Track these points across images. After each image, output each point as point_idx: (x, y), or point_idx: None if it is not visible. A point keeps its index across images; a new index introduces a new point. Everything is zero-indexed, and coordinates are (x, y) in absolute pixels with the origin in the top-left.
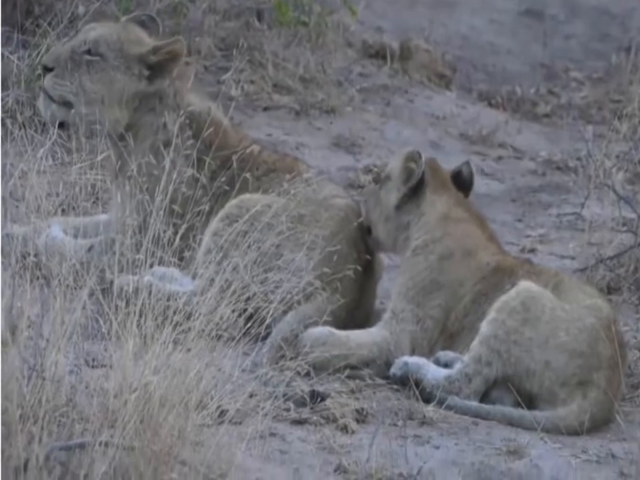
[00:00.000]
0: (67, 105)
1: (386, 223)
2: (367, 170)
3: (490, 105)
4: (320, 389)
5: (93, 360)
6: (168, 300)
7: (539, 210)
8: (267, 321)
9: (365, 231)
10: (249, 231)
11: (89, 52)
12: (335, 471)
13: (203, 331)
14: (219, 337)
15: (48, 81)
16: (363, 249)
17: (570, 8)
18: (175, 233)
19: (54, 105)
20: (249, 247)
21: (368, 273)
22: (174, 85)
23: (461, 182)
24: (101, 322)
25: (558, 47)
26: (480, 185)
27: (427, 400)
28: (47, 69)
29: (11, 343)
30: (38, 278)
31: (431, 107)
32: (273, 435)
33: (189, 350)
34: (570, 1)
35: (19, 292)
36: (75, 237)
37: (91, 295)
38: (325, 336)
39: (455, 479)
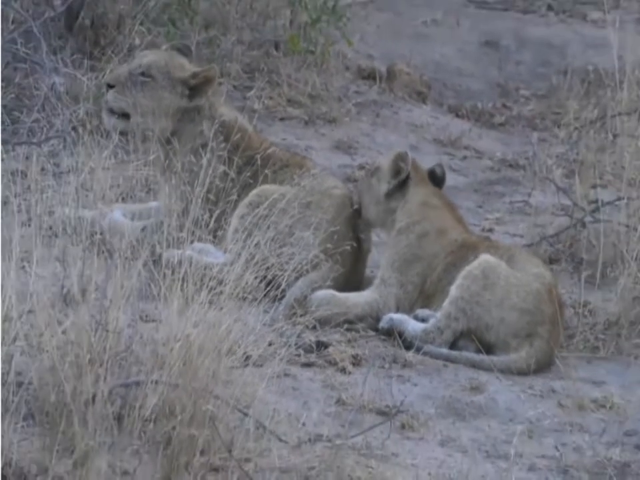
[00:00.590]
0: (125, 115)
1: (376, 207)
2: (361, 167)
3: (457, 116)
4: (324, 339)
5: (146, 316)
6: (204, 269)
7: (495, 198)
8: (282, 286)
9: (357, 213)
10: (267, 215)
11: (142, 74)
12: (336, 403)
13: (232, 293)
14: (245, 299)
15: (110, 96)
16: (357, 229)
17: (519, 40)
18: (210, 217)
19: (114, 115)
20: (267, 227)
21: (360, 248)
22: (209, 100)
23: (435, 179)
24: (152, 286)
25: (510, 71)
26: (449, 179)
27: (408, 347)
28: (109, 86)
29: (81, 302)
30: (103, 252)
31: (411, 118)
32: (286, 375)
33: (221, 308)
34: (519, 34)
35: (88, 262)
36: (132, 219)
37: (144, 265)
38: (328, 297)
39: (430, 409)
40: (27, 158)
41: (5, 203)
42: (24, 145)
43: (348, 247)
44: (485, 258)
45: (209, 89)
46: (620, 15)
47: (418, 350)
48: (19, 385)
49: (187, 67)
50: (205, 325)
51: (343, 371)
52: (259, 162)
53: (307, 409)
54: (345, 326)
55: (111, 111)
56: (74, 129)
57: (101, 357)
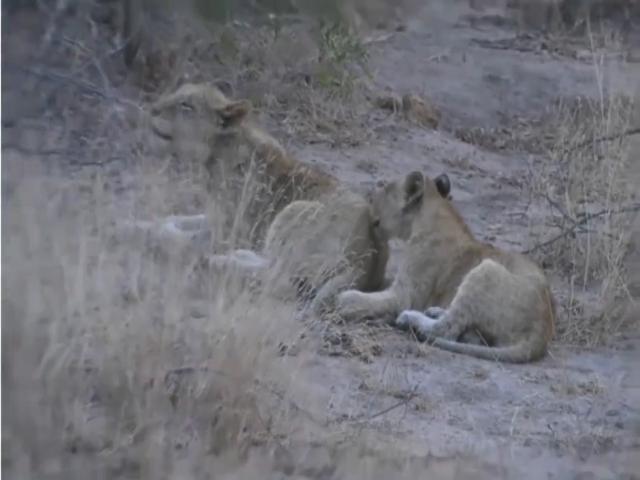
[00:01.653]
0: (168, 138)
1: (394, 220)
2: (380, 184)
3: (463, 140)
4: (348, 333)
5: (196, 312)
6: (246, 272)
7: (496, 211)
8: (313, 287)
9: (375, 225)
10: (300, 226)
11: (184, 104)
12: (359, 387)
13: (269, 293)
14: (280, 298)
15: (155, 121)
16: (376, 238)
17: (517, 74)
18: (251, 227)
19: (159, 137)
20: (300, 236)
21: (380, 255)
22: (242, 128)
23: (442, 187)
24: (201, 287)
25: (509, 101)
26: (457, 194)
27: (421, 340)
28: (156, 112)
29: (140, 301)
30: (158, 257)
31: (423, 142)
32: (316, 363)
33: (260, 306)
34: (517, 69)
35: (145, 266)
36: (183, 229)
37: (194, 268)
38: (352, 297)
39: (440, 393)
40: (92, 176)
41: (75, 214)
42: (90, 164)
43: (369, 254)
44: (488, 262)
45: (242, 119)
46: (604, 53)
47: (430, 342)
48: (87, 371)
49: (222, 100)
50: (246, 320)
51: (365, 360)
52: (292, 180)
53: (334, 393)
54: (367, 321)
55: (157, 133)
56: (133, 151)
57: (157, 347)
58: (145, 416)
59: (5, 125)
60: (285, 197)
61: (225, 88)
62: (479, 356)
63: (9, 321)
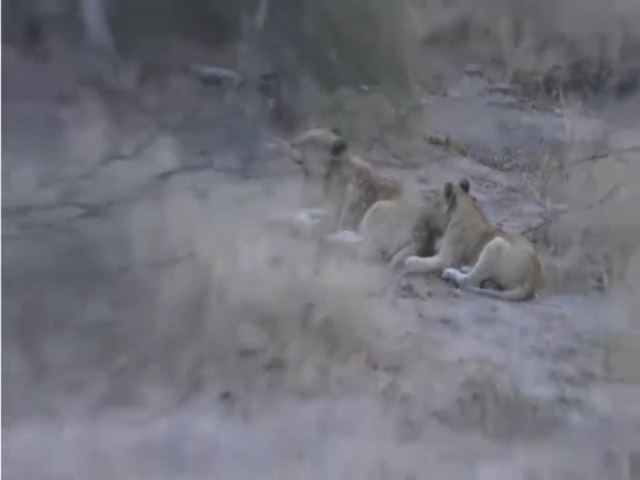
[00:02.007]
0: (300, 163)
1: (440, 218)
2: (433, 191)
3: (483, 164)
4: (412, 282)
5: (317, 270)
6: (349, 246)
7: (503, 208)
8: (390, 254)
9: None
10: (382, 217)
11: (311, 141)
12: (419, 317)
13: (363, 259)
14: (370, 262)
15: (294, 152)
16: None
17: (517, 124)
18: (352, 218)
19: (296, 162)
20: (382, 223)
21: (432, 236)
22: (346, 156)
23: (465, 187)
24: (320, 255)
25: (512, 140)
26: (479, 197)
27: (457, 286)
28: (293, 146)
29: (283, 264)
30: (296, 236)
31: (459, 165)
32: (393, 302)
33: (357, 267)
34: (517, 121)
35: (288, 242)
36: (312, 219)
37: (320, 242)
38: (414, 261)
39: (470, 320)
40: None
41: (248, 209)
42: (255, 178)
43: (425, 235)
44: (498, 240)
45: (345, 151)
46: (571, 112)
47: (462, 288)
48: (254, 305)
49: (333, 139)
50: (348, 275)
51: (423, 299)
52: (377, 189)
53: (403, 319)
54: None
55: (294, 159)
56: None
57: (294, 291)
58: (286, 334)
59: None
60: (373, 199)
61: (336, 132)
62: (493, 297)
63: (205, 277)
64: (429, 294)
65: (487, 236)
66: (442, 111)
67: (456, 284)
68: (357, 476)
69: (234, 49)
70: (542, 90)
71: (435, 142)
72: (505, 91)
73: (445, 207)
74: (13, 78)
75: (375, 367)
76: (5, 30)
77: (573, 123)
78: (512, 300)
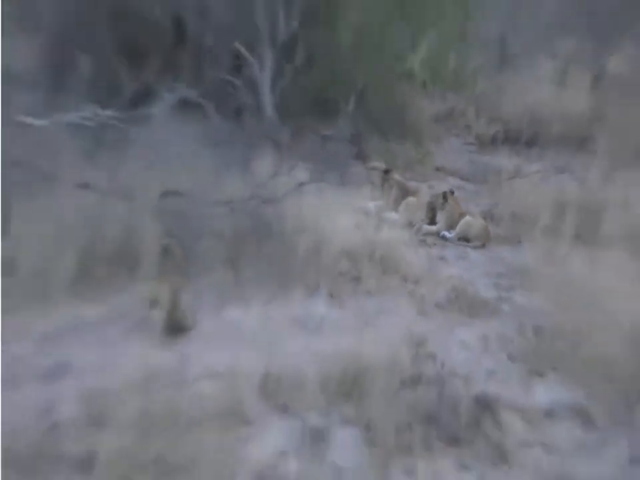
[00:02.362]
0: (372, 183)
1: (439, 207)
2: (435, 194)
3: (461, 180)
4: (425, 239)
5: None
6: (389, 219)
7: (470, 202)
8: (414, 224)
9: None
10: (409, 205)
11: (373, 168)
12: (428, 255)
13: (397, 227)
14: (402, 229)
15: (371, 170)
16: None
17: (478, 162)
18: (395, 207)
19: (371, 180)
20: (409, 209)
21: (434, 215)
22: (391, 175)
23: (452, 191)
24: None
25: (475, 169)
26: (459, 195)
27: (445, 240)
28: (368, 168)
29: (365, 230)
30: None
31: (449, 181)
32: (416, 248)
33: (393, 232)
34: (479, 161)
35: (379, 228)
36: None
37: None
38: (425, 227)
39: (452, 256)
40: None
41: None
42: (355, 184)
43: (430, 214)
44: (467, 217)
45: (391, 173)
46: (504, 154)
47: (449, 241)
48: (340, 253)
49: (384, 166)
50: (392, 234)
51: (430, 247)
52: (406, 191)
53: (420, 257)
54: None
55: (370, 180)
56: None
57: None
58: (361, 263)
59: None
60: (405, 196)
61: (386, 164)
62: (464, 246)
63: (321, 236)
64: (434, 244)
65: (461, 215)
66: (440, 154)
67: (446, 239)
68: (397, 335)
69: (336, 120)
70: (490, 143)
71: (437, 169)
72: (472, 144)
73: (441, 201)
74: (228, 136)
75: (405, 279)
76: (222, 110)
77: (505, 160)
78: (474, 248)
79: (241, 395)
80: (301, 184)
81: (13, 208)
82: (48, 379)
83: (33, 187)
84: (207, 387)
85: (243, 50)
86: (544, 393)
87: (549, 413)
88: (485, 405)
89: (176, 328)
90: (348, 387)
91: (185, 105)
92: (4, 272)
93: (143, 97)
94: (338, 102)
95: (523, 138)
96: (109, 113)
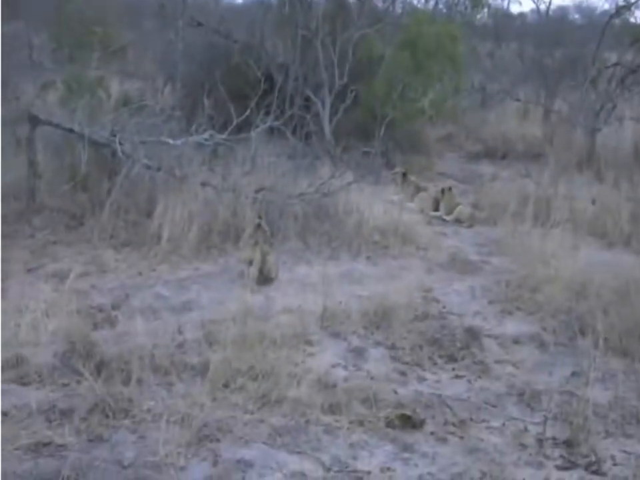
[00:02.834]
0: (393, 179)
1: (441, 199)
2: (439, 190)
3: (457, 181)
4: (432, 220)
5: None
6: (408, 206)
7: (462, 196)
8: (424, 211)
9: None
10: (421, 197)
11: (396, 173)
12: (434, 231)
13: (412, 211)
14: (419, 213)
15: (392, 176)
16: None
17: (467, 170)
18: (412, 199)
19: (392, 180)
20: (421, 200)
21: (438, 204)
22: (408, 176)
23: (449, 188)
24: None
25: (466, 174)
26: (456, 190)
27: (445, 222)
28: (391, 174)
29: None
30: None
31: (449, 182)
32: (425, 227)
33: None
34: (468, 169)
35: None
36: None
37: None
38: (432, 213)
39: (451, 232)
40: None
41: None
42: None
43: (436, 204)
44: (460, 206)
45: (407, 175)
46: (488, 164)
47: (448, 223)
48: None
49: (404, 170)
50: (410, 217)
51: (435, 226)
52: (420, 188)
53: (429, 232)
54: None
55: (392, 178)
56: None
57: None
58: (388, 237)
59: None
60: (417, 192)
61: (405, 169)
62: (458, 226)
63: (361, 217)
64: (437, 224)
65: (456, 205)
66: (441, 164)
67: (446, 221)
68: (411, 286)
69: (372, 141)
70: (475, 157)
71: (439, 174)
72: (463, 157)
73: (442, 195)
74: (300, 152)
75: (417, 248)
76: (297, 134)
77: (485, 168)
78: (465, 227)
79: (307, 325)
80: (349, 183)
81: (158, 199)
82: (178, 311)
83: (170, 185)
84: (284, 319)
85: (311, 95)
86: (512, 326)
87: (516, 340)
88: (473, 334)
89: (264, 279)
90: (379, 319)
91: (272, 131)
92: (153, 241)
93: (244, 125)
94: (373, 129)
95: (498, 153)
96: (222, 136)
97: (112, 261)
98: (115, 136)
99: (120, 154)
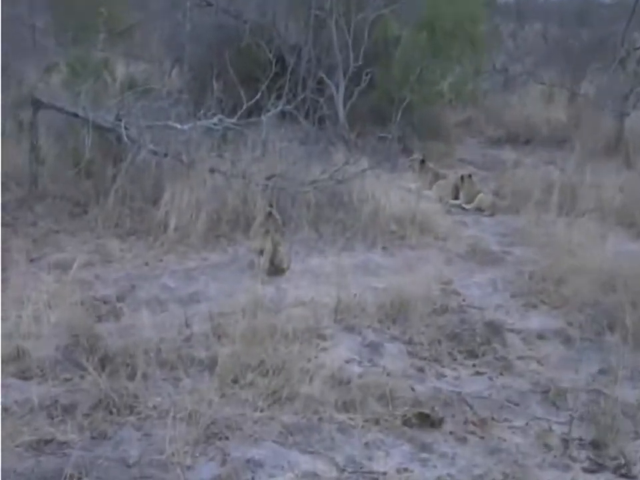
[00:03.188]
0: (410, 165)
1: (460, 187)
2: (459, 177)
3: (476, 168)
4: (451, 209)
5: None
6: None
7: (482, 183)
8: (444, 199)
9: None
10: (440, 185)
11: (413, 159)
12: (453, 220)
13: (427, 199)
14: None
15: (409, 163)
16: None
17: (489, 155)
18: (430, 187)
19: (409, 166)
20: (440, 187)
21: (458, 193)
22: (427, 163)
23: (469, 175)
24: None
25: (487, 160)
26: (476, 177)
27: (465, 210)
28: (409, 161)
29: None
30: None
31: (468, 169)
32: (444, 215)
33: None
34: (490, 154)
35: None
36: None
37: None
38: (452, 201)
39: (471, 221)
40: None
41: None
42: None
43: (455, 192)
44: (481, 194)
45: (425, 162)
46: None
47: (468, 211)
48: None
49: (421, 157)
50: (428, 206)
51: (454, 214)
52: (439, 175)
53: (448, 221)
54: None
55: (409, 165)
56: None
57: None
58: (405, 226)
59: None
60: (436, 179)
61: (423, 156)
62: (479, 214)
63: (378, 205)
64: (457, 213)
65: (477, 192)
66: (461, 150)
67: (466, 210)
68: (429, 278)
69: (388, 126)
70: (497, 142)
71: (459, 160)
72: (484, 143)
73: (461, 182)
74: (313, 137)
75: (436, 238)
76: (309, 119)
77: (507, 154)
78: (486, 216)
79: (320, 318)
80: (364, 170)
81: (165, 186)
82: (185, 303)
83: (177, 171)
84: (296, 311)
85: (324, 77)
86: (536, 320)
87: (540, 335)
88: (494, 329)
89: (275, 270)
90: (395, 312)
91: (283, 116)
92: (159, 230)
93: (255, 109)
94: (390, 113)
95: (520, 138)
96: (231, 120)
97: (117, 250)
98: (120, 120)
99: (125, 139)
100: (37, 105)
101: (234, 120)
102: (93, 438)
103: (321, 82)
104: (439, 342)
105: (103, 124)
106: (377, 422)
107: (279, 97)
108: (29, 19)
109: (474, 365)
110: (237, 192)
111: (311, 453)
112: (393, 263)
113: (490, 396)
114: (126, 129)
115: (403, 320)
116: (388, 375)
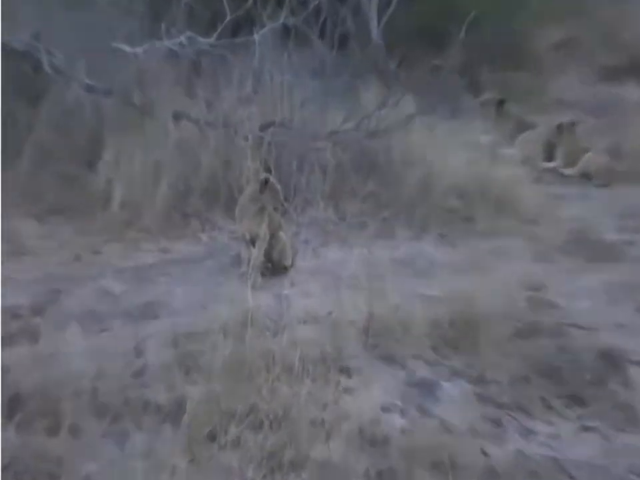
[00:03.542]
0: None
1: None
2: None
3: None
4: None
5: None
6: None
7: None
8: None
9: None
10: None
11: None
12: None
13: None
14: None
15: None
16: None
17: None
18: None
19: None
20: None
21: None
22: (506, 107)
23: None
24: None
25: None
26: None
27: (564, 177)
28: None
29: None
30: None
31: None
32: None
33: None
34: None
35: None
36: None
37: None
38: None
39: (578, 203)
40: None
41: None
42: None
43: None
44: (588, 153)
45: (505, 105)
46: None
47: (569, 179)
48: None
49: (497, 97)
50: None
51: (548, 184)
52: (525, 126)
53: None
54: None
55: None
56: None
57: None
58: (474, 205)
59: None
60: (520, 130)
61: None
62: (587, 184)
63: (428, 171)
64: (551, 181)
65: (583, 151)
66: (559, 85)
67: (565, 177)
68: (512, 281)
69: (446, 48)
70: (614, 74)
71: (556, 101)
72: (594, 74)
73: (558, 135)
74: (332, 66)
75: (520, 220)
76: (326, 38)
77: (630, 92)
78: (597, 186)
79: (342, 342)
80: (409, 116)
81: (106, 140)
82: (136, 318)
83: (125, 118)
84: (304, 331)
85: None
86: None
87: None
88: (611, 360)
89: (273, 268)
90: (458, 334)
91: (287, 33)
92: (97, 207)
93: (244, 23)
94: (448, 31)
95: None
96: (207, 40)
97: (33, 237)
98: (38, 40)
99: (47, 68)
100: None
101: (211, 40)
102: None
103: None
104: (526, 380)
105: (15, 45)
106: None
107: (279, 4)
108: None
109: (580, 417)
110: (215, 149)
111: None
112: (454, 259)
113: (605, 465)
114: (48, 53)
115: (469, 346)
116: (447, 430)
